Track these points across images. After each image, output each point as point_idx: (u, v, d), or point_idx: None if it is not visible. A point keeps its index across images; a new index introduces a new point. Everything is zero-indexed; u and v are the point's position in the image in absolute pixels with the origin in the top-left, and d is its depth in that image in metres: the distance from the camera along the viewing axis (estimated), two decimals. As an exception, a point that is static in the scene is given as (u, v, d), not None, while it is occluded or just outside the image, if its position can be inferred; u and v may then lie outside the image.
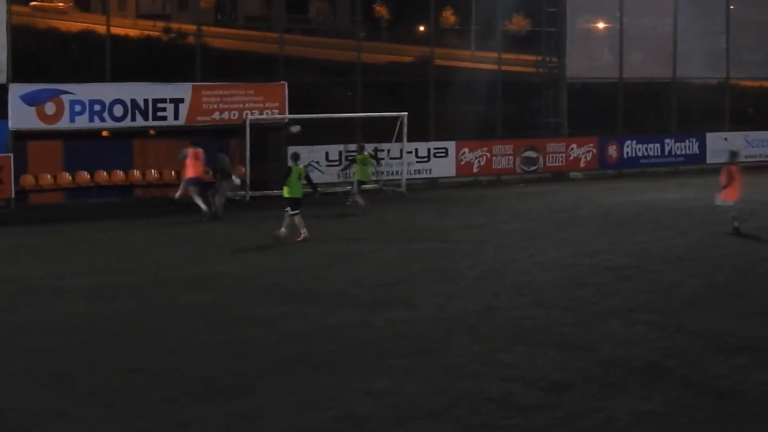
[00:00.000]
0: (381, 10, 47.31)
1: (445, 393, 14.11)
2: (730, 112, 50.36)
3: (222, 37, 42.77)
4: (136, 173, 37.81)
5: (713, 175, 44.40)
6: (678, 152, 48.06)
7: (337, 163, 39.75)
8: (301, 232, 28.00)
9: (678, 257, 25.10)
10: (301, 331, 17.72)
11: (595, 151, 45.65)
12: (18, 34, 35.38)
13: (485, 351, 16.37)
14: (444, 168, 42.57)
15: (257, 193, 36.85)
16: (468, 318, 18.68)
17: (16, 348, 16.71)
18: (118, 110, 36.23)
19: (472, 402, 13.75)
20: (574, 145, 45.29)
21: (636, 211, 33.57)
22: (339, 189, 37.74)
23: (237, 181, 33.53)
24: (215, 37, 41.78)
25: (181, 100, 37.13)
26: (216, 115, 37.67)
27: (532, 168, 44.31)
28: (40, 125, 35.13)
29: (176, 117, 37.14)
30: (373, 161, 36.83)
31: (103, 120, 36.10)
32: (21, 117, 34.71)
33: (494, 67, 44.86)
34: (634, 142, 47.02)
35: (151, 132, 38.43)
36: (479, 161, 43.13)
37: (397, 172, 40.48)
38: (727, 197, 29.10)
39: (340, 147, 39.69)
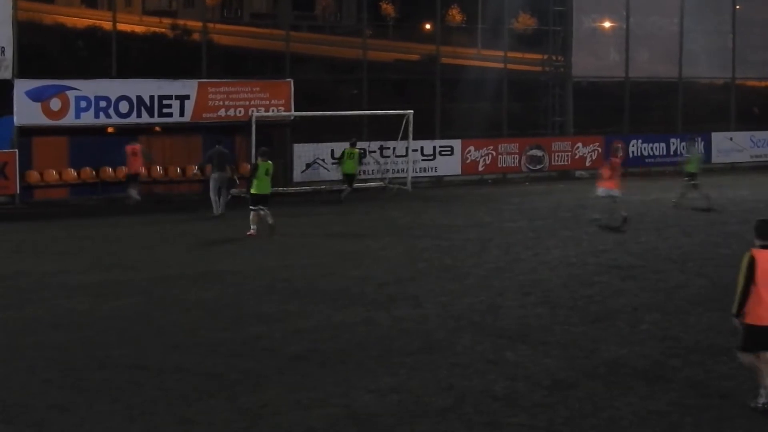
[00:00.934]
0: (387, 8, 47.36)
1: (450, 391, 14.13)
2: (735, 111, 50.30)
3: (228, 34, 42.79)
4: (142, 170, 37.75)
5: (719, 174, 44.67)
6: (683, 152, 47.97)
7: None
8: (252, 228, 28.33)
9: (683, 257, 25.10)
10: (307, 329, 17.73)
11: (600, 150, 45.59)
12: (24, 30, 35.38)
13: (490, 349, 16.38)
14: (450, 166, 42.55)
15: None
16: (473, 316, 18.69)
17: (22, 344, 16.73)
18: (123, 107, 36.23)
19: (478, 400, 13.76)
20: (579, 144, 45.26)
21: (641, 210, 33.53)
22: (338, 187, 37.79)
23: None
24: (221, 34, 41.79)
25: (187, 97, 37.12)
26: (222, 112, 37.66)
27: (538, 167, 44.29)
28: (45, 121, 35.13)
29: (182, 114, 37.13)
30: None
31: (108, 116, 36.11)
32: (26, 113, 34.71)
33: (500, 65, 44.81)
34: (639, 141, 46.98)
35: (157, 129, 38.44)
36: (485, 160, 43.10)
37: (402, 170, 40.46)
38: (608, 186, 30.28)
39: (346, 144, 39.62)
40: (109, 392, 14.05)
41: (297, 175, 39.17)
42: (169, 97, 36.85)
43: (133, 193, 35.56)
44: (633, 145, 46.59)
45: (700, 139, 39.35)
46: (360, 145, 38.90)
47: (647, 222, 31.04)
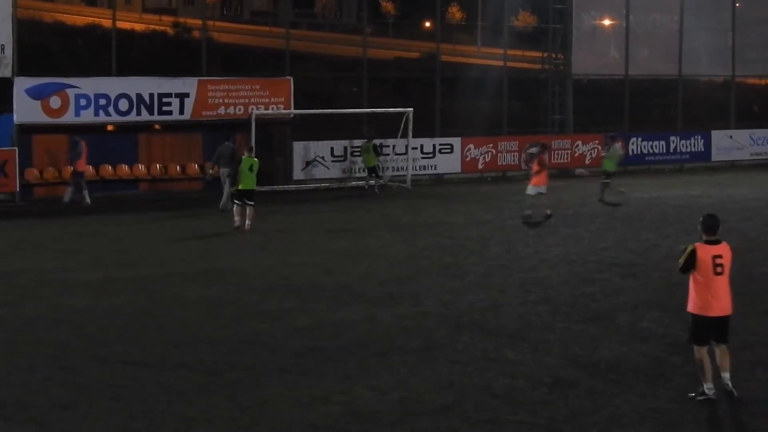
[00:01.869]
0: (387, 6, 47.38)
1: (451, 389, 14.14)
2: (735, 109, 50.30)
3: (228, 32, 42.77)
4: (141, 167, 37.82)
5: (719, 172, 44.69)
6: (683, 149, 48.01)
7: (342, 158, 39.79)
8: (235, 219, 28.90)
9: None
10: (307, 327, 17.73)
11: (600, 148, 45.58)
12: (24, 28, 35.35)
13: (491, 347, 16.39)
14: (449, 164, 42.55)
15: (264, 188, 36.74)
16: (474, 314, 18.70)
17: (22, 341, 16.74)
18: (123, 104, 36.22)
19: (478, 398, 13.77)
20: (579, 142, 45.25)
21: (641, 208, 33.55)
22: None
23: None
24: (221, 32, 41.78)
25: (187, 95, 37.11)
26: (221, 110, 37.66)
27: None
28: (45, 119, 35.13)
29: (182, 111, 37.12)
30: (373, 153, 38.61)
31: (108, 114, 36.10)
32: (26, 111, 34.70)
33: (500, 63, 44.82)
34: (639, 139, 46.97)
35: (156, 126, 38.45)
36: (485, 157, 43.10)
37: (402, 168, 40.47)
38: (536, 184, 31.40)
39: (345, 142, 39.68)
40: (110, 390, 14.05)
41: (297, 173, 39.17)
42: (169, 95, 36.85)
43: (69, 192, 34.96)
44: (633, 143, 46.58)
45: (619, 138, 39.51)
46: (359, 143, 39.08)
47: (647, 220, 31.03)
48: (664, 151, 47.59)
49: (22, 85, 34.69)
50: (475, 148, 42.84)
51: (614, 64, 47.73)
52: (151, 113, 36.73)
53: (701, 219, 13.95)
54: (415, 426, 12.74)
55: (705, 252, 13.60)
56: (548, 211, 31.11)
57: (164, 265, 23.75)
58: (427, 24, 47.02)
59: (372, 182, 38.67)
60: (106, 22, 38.33)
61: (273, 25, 42.21)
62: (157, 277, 22.26)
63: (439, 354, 15.92)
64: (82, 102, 35.57)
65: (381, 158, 39.17)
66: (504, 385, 14.33)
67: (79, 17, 42.04)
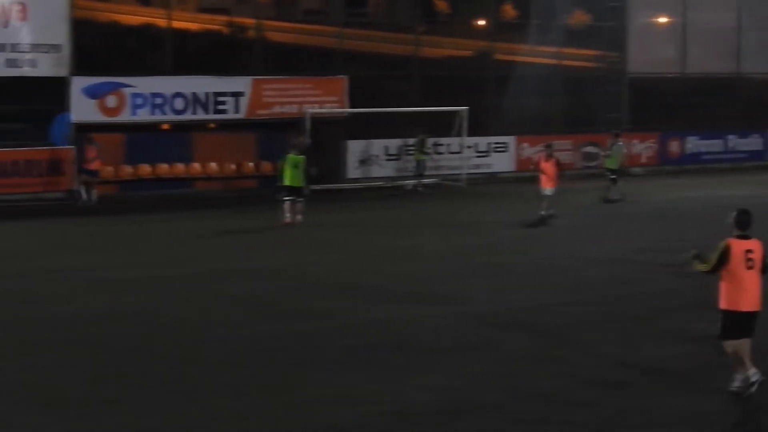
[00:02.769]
0: (440, 4, 47.22)
1: (498, 388, 14.09)
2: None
3: (281, 31, 42.86)
4: (197, 166, 38.02)
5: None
6: (740, 148, 47.59)
7: (396, 157, 39.83)
8: (286, 216, 29.07)
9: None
10: (354, 325, 17.76)
11: (656, 146, 45.30)
12: (80, 28, 35.66)
13: (538, 347, 16.35)
14: (503, 162, 42.49)
15: (317, 187, 36.75)
16: (519, 313, 18.64)
17: (73, 339, 16.89)
18: (178, 103, 36.54)
19: (524, 397, 13.71)
20: (635, 141, 44.93)
21: (692, 207, 33.27)
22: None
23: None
24: (275, 31, 41.88)
25: (241, 94, 37.37)
26: (275, 109, 37.84)
27: (592, 163, 44.00)
28: (101, 118, 35.48)
29: (236, 110, 37.39)
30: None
31: (163, 113, 36.44)
32: (83, 110, 35.06)
33: (554, 61, 44.65)
34: (696, 138, 46.60)
35: (211, 125, 38.68)
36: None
37: (456, 167, 40.42)
38: (546, 185, 30.85)
39: (399, 141, 39.71)
40: (156, 386, 14.16)
41: (351, 172, 39.24)
42: (224, 94, 37.13)
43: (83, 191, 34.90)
44: (689, 142, 46.22)
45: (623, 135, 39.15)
46: (412, 142, 39.19)
47: (697, 219, 30.69)
48: (721, 150, 47.18)
49: (78, 84, 35.05)
50: (529, 147, 42.68)
51: (670, 62, 47.35)
52: (206, 112, 37.03)
53: (734, 214, 14.00)
54: (461, 425, 12.70)
55: (737, 246, 13.68)
56: (551, 211, 30.50)
57: (213, 263, 23.88)
58: (481, 22, 46.83)
59: (414, 182, 38.67)
60: (161, 22, 38.60)
61: (326, 24, 42.16)
62: (204, 276, 22.36)
63: (487, 353, 15.88)
64: (138, 101, 35.92)
65: (427, 158, 39.15)
66: (551, 385, 14.26)
67: (134, 17, 42.30)
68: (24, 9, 34.26)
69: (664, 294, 20.40)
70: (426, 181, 38.84)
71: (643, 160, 45.02)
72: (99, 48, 38.12)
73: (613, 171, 35.33)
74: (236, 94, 37.37)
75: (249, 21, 40.41)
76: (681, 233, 27.97)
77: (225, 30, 42.76)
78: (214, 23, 43.58)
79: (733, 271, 13.59)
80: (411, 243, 26.81)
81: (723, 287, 13.75)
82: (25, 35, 34.33)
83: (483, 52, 44.63)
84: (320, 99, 38.47)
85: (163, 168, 37.34)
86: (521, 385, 14.27)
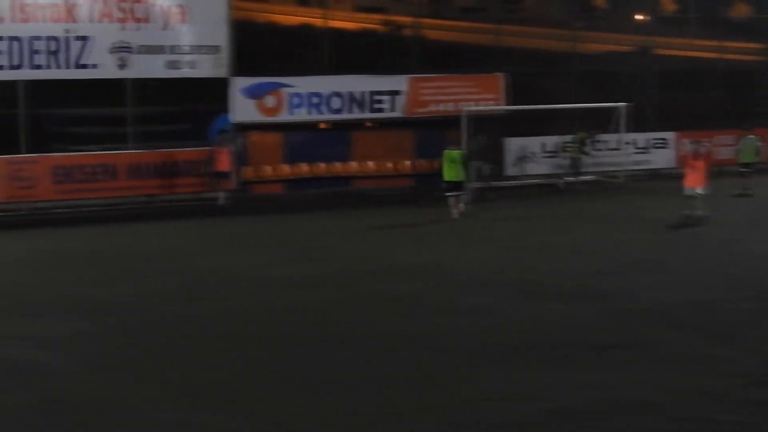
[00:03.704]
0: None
1: (660, 387, 13.78)
2: None
3: (438, 29, 42.82)
4: (355, 165, 38.14)
5: None
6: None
7: (553, 154, 39.47)
8: (452, 212, 29.84)
9: None
10: (513, 322, 17.63)
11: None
12: (239, 29, 36.11)
13: (701, 345, 15.98)
14: (663, 159, 41.78)
15: (477, 184, 36.57)
16: (680, 311, 18.24)
17: (242, 335, 17.09)
18: (336, 102, 36.76)
19: (689, 396, 13.41)
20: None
21: None
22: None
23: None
24: (431, 29, 41.86)
25: (398, 92, 37.43)
26: (432, 107, 37.80)
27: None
28: (260, 118, 35.90)
29: (393, 109, 37.46)
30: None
31: (321, 112, 36.72)
32: (242, 110, 35.52)
33: (715, 55, 43.69)
34: None
35: (368, 124, 38.82)
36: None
37: (615, 164, 39.88)
38: (691, 185, 29.63)
39: (557, 138, 39.31)
40: (312, 383, 14.15)
41: (508, 169, 39.00)
42: (381, 93, 37.24)
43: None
44: None
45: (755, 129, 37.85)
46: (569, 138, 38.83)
47: None
48: None
49: (238, 85, 35.48)
50: (690, 143, 41.75)
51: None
52: (363, 111, 37.20)
53: None
54: (622, 424, 12.47)
55: None
56: (692, 212, 29.17)
57: (366, 261, 24.02)
58: (639, 16, 46.11)
59: (563, 180, 38.35)
60: (318, 21, 38.89)
61: (482, 21, 42.00)
62: (357, 273, 22.47)
63: (649, 351, 15.56)
64: (296, 101, 36.24)
65: (585, 156, 38.70)
66: (715, 383, 13.91)
67: (292, 17, 42.68)
68: (184, 11, 34.81)
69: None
70: (584, 178, 38.37)
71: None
72: (257, 48, 38.49)
73: (746, 165, 35.16)
74: (393, 93, 37.47)
75: (405, 19, 40.55)
76: None
77: (381, 29, 42.85)
78: (371, 22, 43.70)
79: None
80: (568, 239, 26.66)
81: None
82: (185, 37, 34.90)
83: (642, 47, 43.95)
84: (477, 97, 38.30)
85: (321, 167, 37.55)
86: (685, 383, 13.94)
